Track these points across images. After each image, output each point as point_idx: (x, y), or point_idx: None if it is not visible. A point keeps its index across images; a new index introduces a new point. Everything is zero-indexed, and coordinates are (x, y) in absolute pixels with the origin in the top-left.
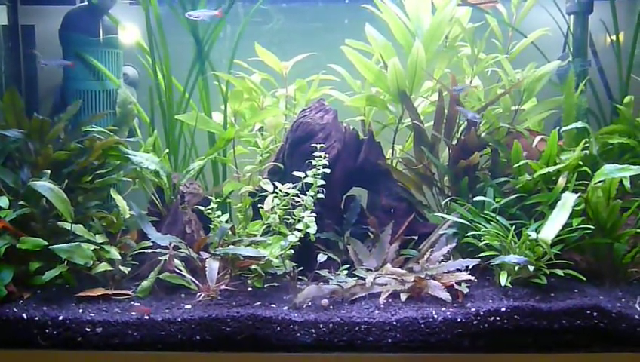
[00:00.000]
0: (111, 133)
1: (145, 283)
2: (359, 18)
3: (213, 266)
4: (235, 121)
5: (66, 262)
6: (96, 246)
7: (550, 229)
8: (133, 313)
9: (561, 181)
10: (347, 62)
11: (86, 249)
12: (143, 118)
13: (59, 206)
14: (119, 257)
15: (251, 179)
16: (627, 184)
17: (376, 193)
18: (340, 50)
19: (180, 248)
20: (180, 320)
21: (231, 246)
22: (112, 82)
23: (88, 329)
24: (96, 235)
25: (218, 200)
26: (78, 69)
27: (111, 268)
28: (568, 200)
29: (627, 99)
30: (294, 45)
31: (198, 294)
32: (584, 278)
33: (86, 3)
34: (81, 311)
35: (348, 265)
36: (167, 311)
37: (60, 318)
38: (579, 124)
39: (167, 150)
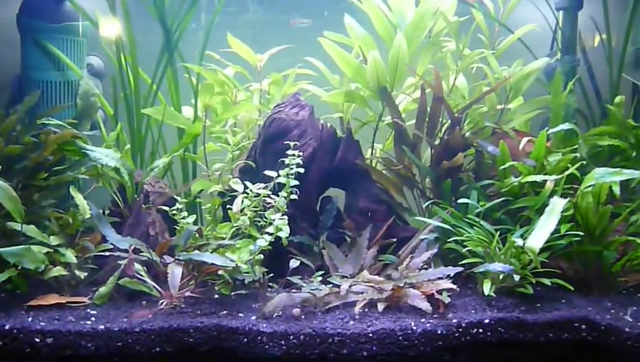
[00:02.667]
0: (69, 127)
1: (102, 290)
2: (338, 10)
3: (176, 272)
4: (207, 115)
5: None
6: (49, 249)
7: (538, 237)
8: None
9: (549, 184)
10: (326, 56)
11: (37, 252)
12: (107, 111)
13: (7, 205)
14: (75, 261)
15: (221, 178)
16: (617, 190)
17: (354, 194)
18: (319, 43)
19: (142, 251)
20: (138, 330)
21: (195, 252)
22: (74, 72)
23: (38, 340)
24: (51, 237)
25: (185, 200)
26: (37, 57)
27: (66, 273)
28: (557, 205)
29: (618, 99)
30: (270, 37)
31: (160, 302)
32: (572, 288)
33: None
34: (30, 319)
35: (322, 271)
36: (125, 319)
37: (7, 327)
38: (566, 126)
39: (128, 146)
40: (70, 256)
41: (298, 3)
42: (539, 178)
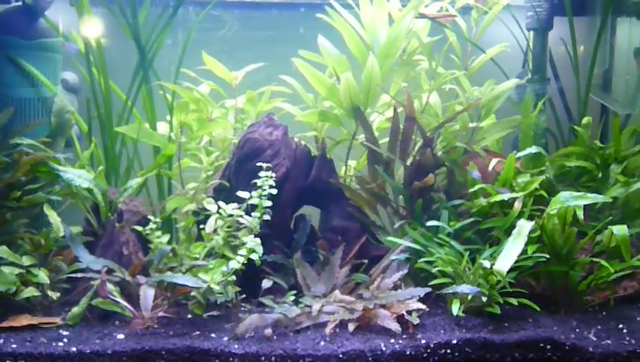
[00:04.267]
0: (42, 146)
1: (75, 310)
2: (315, 28)
3: (148, 294)
4: (182, 132)
5: None
6: (21, 270)
7: (505, 260)
8: None
9: (517, 205)
10: (301, 74)
11: (8, 273)
12: (82, 128)
13: None
14: (47, 281)
15: (195, 197)
16: (580, 215)
17: (328, 213)
18: (293, 62)
19: (115, 272)
20: (110, 352)
21: (168, 273)
22: (48, 89)
23: None
24: (24, 257)
25: (158, 219)
26: (10, 74)
27: (38, 294)
28: (524, 228)
29: (585, 120)
30: (247, 54)
31: (134, 322)
32: (538, 309)
33: (20, 3)
34: (2, 341)
35: (295, 291)
36: (97, 341)
37: None
38: (534, 150)
39: (101, 167)
40: (43, 276)
41: (274, 20)
42: (506, 196)
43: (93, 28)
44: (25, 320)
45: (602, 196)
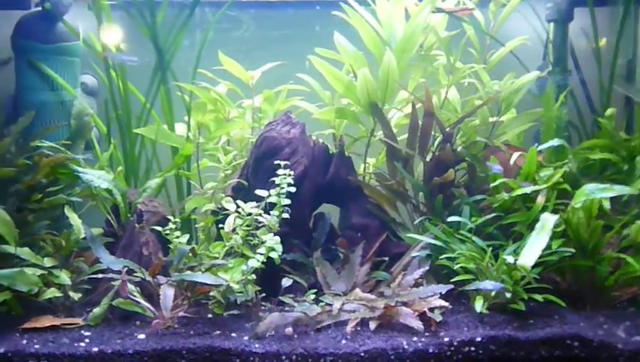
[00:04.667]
0: (63, 148)
1: (97, 311)
2: (331, 25)
3: (168, 294)
4: (200, 133)
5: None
6: (43, 271)
7: (529, 254)
8: None
9: (540, 199)
10: (317, 72)
11: (31, 274)
12: (101, 131)
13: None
14: (69, 282)
15: (214, 197)
16: (607, 205)
17: (347, 210)
18: (310, 59)
19: (135, 272)
20: (131, 352)
21: (187, 272)
22: (67, 92)
23: None
24: (45, 258)
25: (177, 219)
26: (31, 78)
27: (60, 295)
28: (548, 222)
29: (609, 111)
30: (263, 54)
31: (154, 322)
32: (564, 305)
33: (39, 8)
34: (25, 342)
35: (315, 289)
36: (119, 341)
37: (1, 351)
38: (556, 142)
39: (120, 168)
40: (64, 277)
41: (290, 19)
42: (529, 190)
43: (111, 32)
44: (47, 320)
45: (629, 188)
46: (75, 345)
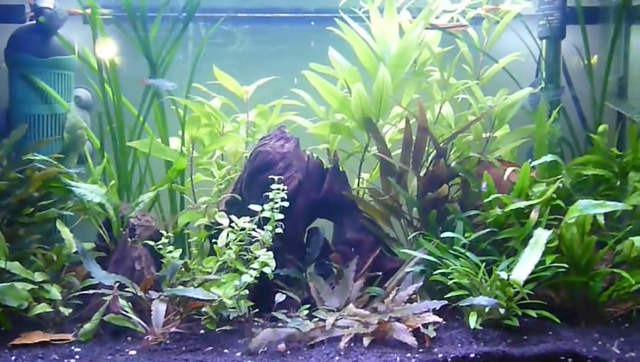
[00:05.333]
0: (55, 162)
1: (87, 326)
2: (325, 40)
3: (159, 309)
4: (194, 147)
5: None
6: (34, 286)
7: (522, 270)
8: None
9: (534, 215)
10: (312, 87)
11: (21, 289)
12: (94, 144)
13: None
14: (60, 297)
15: (207, 211)
16: (601, 220)
17: (341, 225)
18: (304, 74)
19: (127, 287)
20: None
21: (180, 287)
22: (61, 105)
23: None
24: (36, 273)
25: (170, 233)
26: (25, 91)
27: (50, 310)
28: (541, 237)
29: (601, 128)
30: (257, 68)
31: (145, 338)
32: (558, 320)
33: (34, 22)
34: (14, 358)
35: (309, 305)
36: (109, 357)
37: None
38: (549, 158)
39: (113, 181)
40: (55, 292)
41: (285, 34)
42: (522, 204)
43: (106, 46)
44: (37, 336)
45: (622, 204)
46: (65, 361)
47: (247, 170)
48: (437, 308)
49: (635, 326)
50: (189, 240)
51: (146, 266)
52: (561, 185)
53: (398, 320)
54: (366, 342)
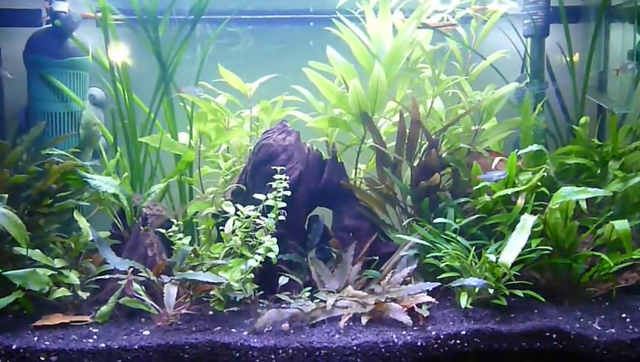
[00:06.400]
0: (72, 156)
1: (104, 309)
2: (323, 40)
3: (171, 292)
4: (201, 141)
5: (21, 288)
6: (54, 272)
7: (510, 253)
8: None
9: (520, 202)
10: (311, 84)
11: (42, 274)
12: (108, 139)
13: (12, 231)
14: (78, 282)
15: (214, 201)
16: (584, 205)
17: (340, 213)
18: (304, 72)
19: (140, 272)
20: (136, 347)
21: (189, 271)
22: (76, 104)
23: (43, 359)
24: (55, 260)
25: (180, 222)
26: (42, 90)
27: (69, 294)
28: (527, 222)
29: (583, 120)
30: (260, 67)
31: (158, 319)
32: (543, 299)
33: (50, 25)
34: (36, 338)
35: (310, 287)
36: (125, 337)
37: (14, 347)
38: (535, 147)
39: (126, 174)
40: (73, 277)
41: (285, 34)
42: (509, 191)
43: (118, 48)
44: (57, 318)
45: (603, 190)
46: (84, 341)
47: (252, 161)
48: (430, 289)
49: (614, 305)
50: (198, 228)
51: (157, 252)
52: (545, 173)
53: (394, 300)
54: (364, 320)
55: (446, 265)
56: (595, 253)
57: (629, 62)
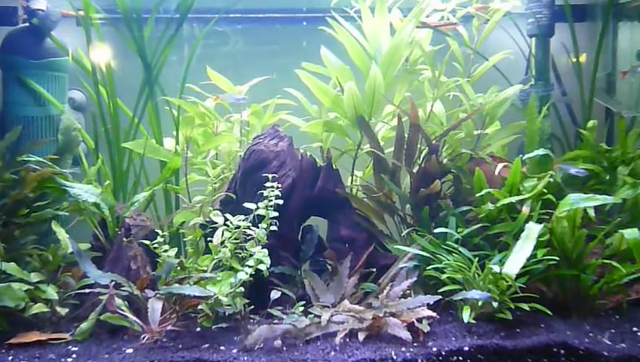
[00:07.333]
0: (50, 163)
1: (84, 325)
2: (317, 40)
3: (156, 307)
4: (188, 147)
5: None
6: (30, 286)
7: (514, 263)
8: None
9: (525, 210)
10: (305, 86)
11: (17, 289)
12: (89, 145)
13: None
14: (56, 297)
15: (202, 210)
16: (592, 213)
17: (336, 223)
18: (297, 74)
19: (123, 286)
20: None
21: (175, 285)
22: (55, 107)
23: None
24: (32, 273)
25: (165, 232)
26: (19, 93)
27: (47, 310)
28: (532, 231)
29: (590, 123)
30: (250, 68)
31: (142, 336)
32: (550, 313)
33: (27, 24)
34: (11, 357)
35: (304, 301)
36: (106, 356)
37: None
38: (541, 152)
39: (108, 182)
40: (51, 292)
41: (277, 34)
42: (514, 198)
43: (100, 48)
44: (34, 336)
45: (612, 197)
46: (62, 360)
47: (242, 168)
48: (431, 303)
49: (625, 318)
50: (185, 239)
51: (141, 265)
52: (551, 180)
53: (393, 315)
54: (361, 337)
55: (447, 278)
56: (605, 261)
57: (639, 63)
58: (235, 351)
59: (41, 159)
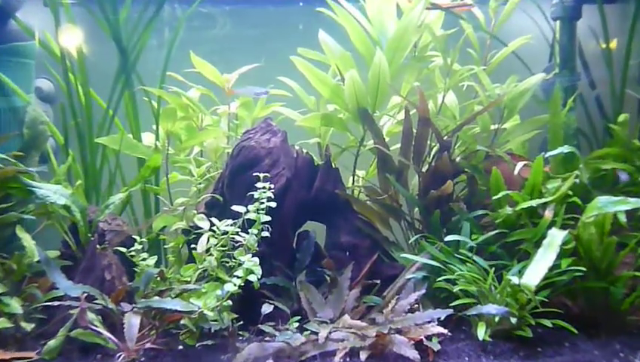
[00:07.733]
0: (14, 160)
1: (52, 343)
2: (315, 23)
3: (133, 322)
4: (169, 143)
5: None
6: None
7: (534, 274)
8: None
9: (548, 214)
10: (301, 74)
11: None
12: (58, 140)
13: None
14: (21, 311)
15: (185, 214)
16: (623, 218)
17: (335, 228)
18: (292, 60)
19: (96, 299)
20: None
21: (155, 298)
22: (20, 98)
23: None
24: None
25: (144, 239)
26: None
27: (10, 325)
28: (555, 238)
29: (621, 117)
30: (239, 54)
31: (117, 355)
32: (575, 331)
33: None
34: None
35: (299, 316)
36: None
37: None
38: (566, 149)
39: (79, 181)
40: (15, 305)
41: (270, 16)
42: (535, 202)
43: (70, 31)
44: None
45: None
46: None
47: (230, 167)
48: (441, 318)
49: None
50: (165, 246)
51: (117, 275)
52: (577, 180)
53: (399, 331)
54: (363, 356)
55: (460, 290)
56: (638, 272)
57: None
58: None
59: (4, 156)
